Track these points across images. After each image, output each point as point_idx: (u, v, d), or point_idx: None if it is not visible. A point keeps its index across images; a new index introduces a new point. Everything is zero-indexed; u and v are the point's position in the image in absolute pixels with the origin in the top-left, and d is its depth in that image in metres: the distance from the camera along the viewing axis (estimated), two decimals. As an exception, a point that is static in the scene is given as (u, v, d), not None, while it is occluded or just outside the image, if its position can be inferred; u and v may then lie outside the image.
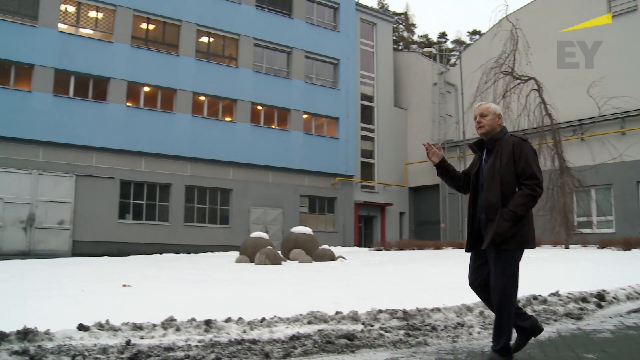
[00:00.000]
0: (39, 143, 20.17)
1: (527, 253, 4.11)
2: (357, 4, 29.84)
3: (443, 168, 4.29)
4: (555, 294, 6.58)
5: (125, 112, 21.92)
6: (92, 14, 22.37)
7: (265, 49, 25.96)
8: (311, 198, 26.54)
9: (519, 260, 3.94)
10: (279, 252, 14.81)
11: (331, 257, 14.68)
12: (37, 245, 19.79)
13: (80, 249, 20.18)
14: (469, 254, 4.18)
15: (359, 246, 25.96)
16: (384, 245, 22.06)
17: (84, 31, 22.18)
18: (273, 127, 25.89)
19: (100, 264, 13.56)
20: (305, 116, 26.69)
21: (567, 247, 16.45)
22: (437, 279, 9.14)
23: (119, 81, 21.85)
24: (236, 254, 15.73)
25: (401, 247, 20.85)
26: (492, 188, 3.90)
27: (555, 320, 5.68)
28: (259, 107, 25.44)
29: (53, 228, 20.22)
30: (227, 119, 24.68)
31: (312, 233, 16.02)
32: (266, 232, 23.16)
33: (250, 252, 14.33)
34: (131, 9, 22.44)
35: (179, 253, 19.54)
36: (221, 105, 24.58)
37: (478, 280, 4.06)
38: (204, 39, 24.60)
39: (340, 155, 27.17)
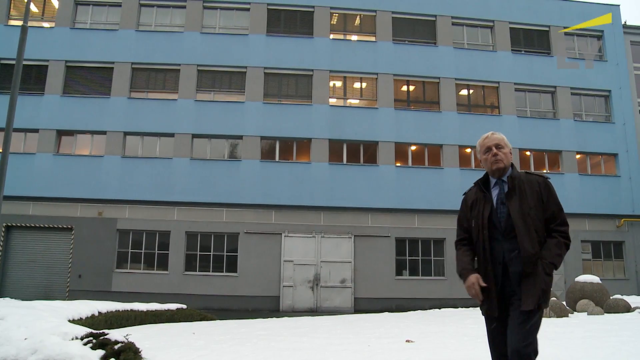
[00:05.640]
0: (320, 208, 21.99)
1: None
2: (625, 26, 27.03)
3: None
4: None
5: (395, 172, 22.70)
6: (357, 85, 24.18)
7: (527, 92, 24.89)
8: (594, 243, 23.79)
9: None
10: (564, 303, 14.03)
11: (626, 309, 13.06)
12: (322, 302, 21.16)
13: (361, 306, 21.03)
14: None
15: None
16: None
17: (351, 102, 24.01)
18: (544, 171, 24.20)
19: (381, 320, 13.66)
20: (578, 156, 24.49)
21: None
22: None
23: (387, 143, 22.88)
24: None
25: None
26: (527, 236, 3.23)
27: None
28: (527, 153, 24.17)
29: (336, 286, 21.41)
30: (497, 168, 23.88)
31: (600, 282, 14.63)
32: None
33: (534, 305, 13.41)
34: (391, 74, 23.69)
35: (457, 307, 19.14)
36: (487, 154, 23.93)
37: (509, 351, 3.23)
38: (464, 92, 24.62)
39: (623, 194, 24.09)
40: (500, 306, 3.29)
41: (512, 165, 3.47)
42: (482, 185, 3.51)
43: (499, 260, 3.29)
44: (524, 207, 3.27)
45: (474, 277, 3.30)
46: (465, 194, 3.65)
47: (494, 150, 3.44)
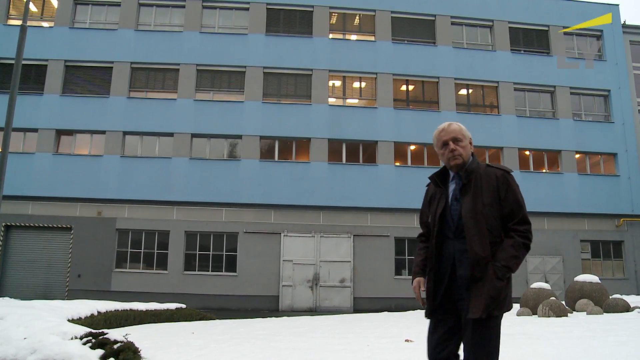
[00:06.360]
0: (319, 208, 21.99)
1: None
2: (624, 25, 27.04)
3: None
4: None
5: (394, 171, 22.71)
6: (356, 84, 24.19)
7: (527, 91, 24.91)
8: (593, 243, 23.81)
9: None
10: (563, 302, 13.96)
11: (626, 308, 13.01)
12: (322, 302, 21.16)
13: (361, 305, 21.03)
14: None
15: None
16: None
17: (350, 101, 24.02)
18: (543, 171, 24.24)
19: (380, 320, 13.68)
20: (577, 156, 24.49)
21: None
22: None
23: (386, 143, 22.89)
24: (516, 306, 14.63)
25: None
26: (477, 236, 2.92)
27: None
28: (527, 152, 24.17)
29: (335, 286, 21.41)
30: (495, 167, 23.94)
31: (599, 281, 14.57)
32: (546, 281, 21.47)
33: (532, 304, 13.59)
34: (390, 74, 23.69)
35: (456, 308, 18.97)
36: (487, 154, 23.94)
37: (445, 353, 3.02)
38: (463, 92, 24.63)
39: (623, 194, 24.11)
40: (444, 309, 3.06)
41: (472, 155, 3.17)
42: (438, 179, 3.19)
43: (449, 261, 3.03)
44: (477, 204, 2.97)
45: (416, 282, 3.16)
46: (427, 185, 3.35)
47: (452, 145, 3.10)
